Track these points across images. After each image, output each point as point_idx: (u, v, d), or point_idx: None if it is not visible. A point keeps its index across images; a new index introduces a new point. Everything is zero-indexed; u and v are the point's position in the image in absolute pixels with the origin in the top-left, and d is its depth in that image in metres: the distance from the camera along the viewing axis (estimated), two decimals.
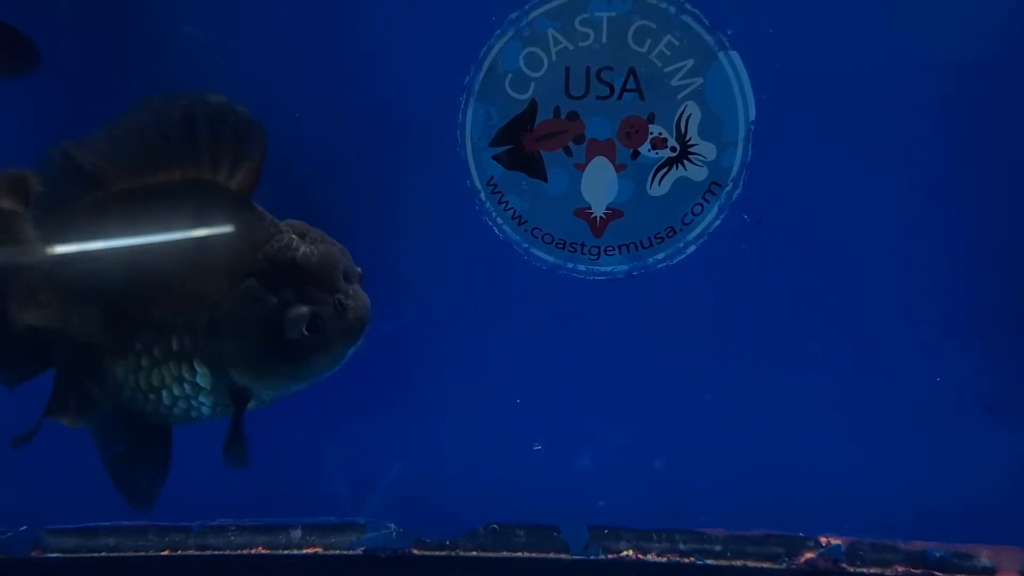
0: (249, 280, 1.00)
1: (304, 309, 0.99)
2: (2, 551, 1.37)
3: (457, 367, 1.32)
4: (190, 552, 1.40)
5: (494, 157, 1.25)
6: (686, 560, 1.35)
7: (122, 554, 1.40)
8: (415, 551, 1.38)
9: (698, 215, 1.24)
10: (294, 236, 1.03)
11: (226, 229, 1.02)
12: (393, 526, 1.38)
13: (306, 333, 1.00)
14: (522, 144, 1.24)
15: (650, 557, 1.36)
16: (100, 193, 1.01)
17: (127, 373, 1.06)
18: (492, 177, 1.25)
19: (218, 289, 1.01)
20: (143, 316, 1.03)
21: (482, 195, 1.26)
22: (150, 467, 1.12)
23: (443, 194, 1.27)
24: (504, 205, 1.26)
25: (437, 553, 1.38)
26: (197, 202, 1.01)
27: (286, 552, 1.39)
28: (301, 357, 1.02)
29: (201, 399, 1.07)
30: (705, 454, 1.33)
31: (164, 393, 1.06)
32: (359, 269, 1.07)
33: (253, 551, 1.39)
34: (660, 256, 1.27)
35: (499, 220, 1.27)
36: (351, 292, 1.04)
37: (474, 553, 1.38)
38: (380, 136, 1.26)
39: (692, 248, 1.26)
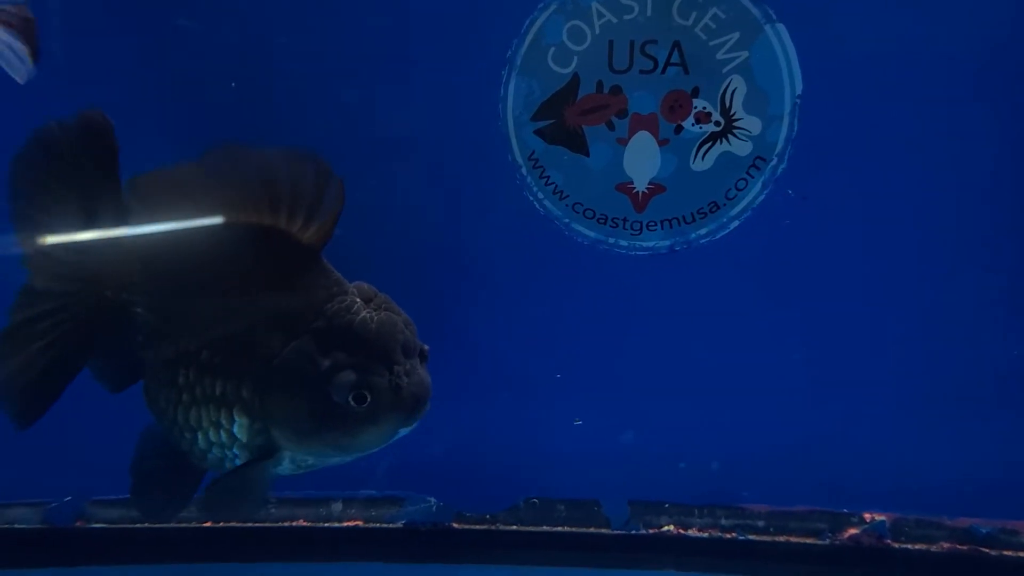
0: (304, 337, 1.00)
1: (351, 376, 0.98)
2: (47, 521, 1.44)
3: (497, 342, 1.37)
4: (232, 524, 1.47)
5: (536, 132, 1.28)
6: (728, 536, 1.40)
7: (165, 526, 1.47)
8: (455, 525, 1.44)
9: (742, 190, 1.28)
10: (357, 299, 1.02)
11: (291, 282, 1.02)
12: (433, 500, 1.44)
13: (352, 403, 0.98)
14: (564, 118, 1.27)
15: (691, 532, 1.41)
16: (183, 221, 1.04)
17: (167, 402, 1.08)
18: (533, 152, 1.29)
19: (271, 341, 1.01)
20: (192, 349, 1.05)
21: (523, 170, 1.30)
22: (175, 493, 1.14)
23: (483, 169, 1.31)
24: (545, 180, 1.30)
25: (477, 527, 1.43)
26: (267, 250, 1.02)
27: (327, 525, 1.45)
28: (346, 427, 1.00)
29: (236, 450, 1.08)
30: (748, 429, 1.37)
31: (200, 435, 1.08)
32: (425, 346, 1.05)
33: (294, 523, 1.45)
34: (703, 231, 1.31)
35: (540, 195, 1.31)
36: (408, 368, 1.01)
37: (514, 527, 1.43)
38: (421, 110, 1.29)
39: (735, 223, 1.30)
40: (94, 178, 1.07)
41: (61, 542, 1.43)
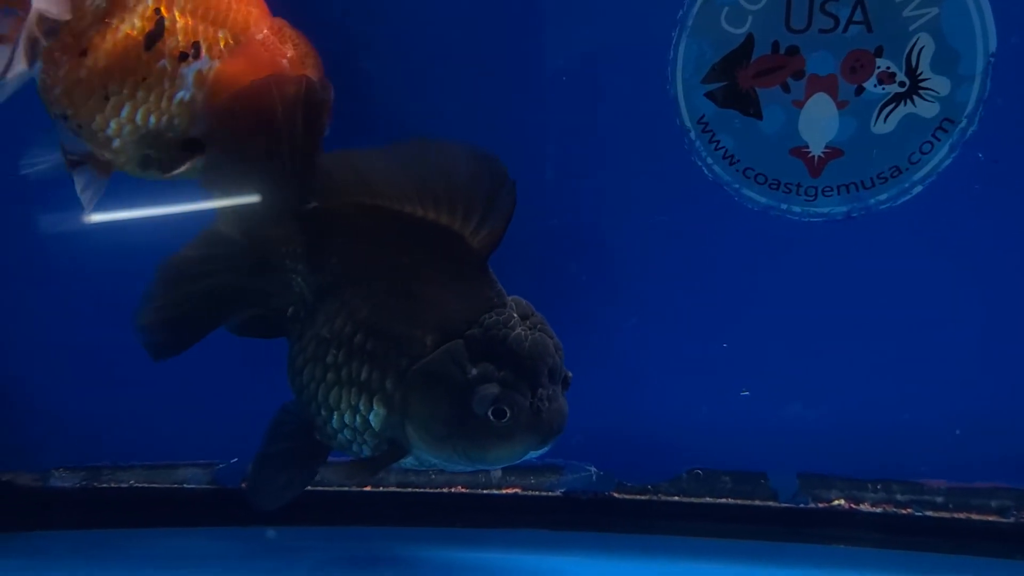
0: (457, 342, 1.07)
1: (495, 389, 1.04)
2: (215, 482, 1.57)
3: (664, 309, 1.43)
4: (391, 488, 1.58)
5: (706, 95, 1.34)
6: (903, 511, 1.44)
7: (326, 488, 1.57)
8: (616, 494, 1.51)
9: (927, 153, 1.31)
10: (515, 315, 1.08)
11: (455, 284, 1.10)
12: (594, 469, 1.52)
13: (491, 417, 1.05)
14: (737, 81, 1.32)
15: (864, 507, 1.45)
16: (361, 204, 1.14)
17: (311, 377, 1.17)
18: (703, 115, 1.35)
19: (425, 340, 1.09)
20: (346, 331, 1.15)
21: (692, 134, 1.36)
22: (295, 476, 1.23)
23: (651, 133, 1.36)
24: (715, 144, 1.36)
25: (638, 497, 1.50)
26: (438, 248, 1.10)
27: (485, 492, 1.54)
28: (479, 439, 1.07)
29: (367, 437, 1.16)
30: (925, 402, 1.40)
31: (335, 415, 1.17)
32: (569, 373, 1.10)
33: (453, 490, 1.55)
34: (883, 197, 1.34)
35: (709, 160, 1.37)
36: (551, 393, 1.07)
37: (676, 498, 1.49)
38: (587, 73, 1.35)
39: (919, 188, 1.33)
40: (298, 143, 1.16)
41: (227, 502, 1.54)
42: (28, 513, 1.54)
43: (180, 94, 1.18)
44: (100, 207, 1.29)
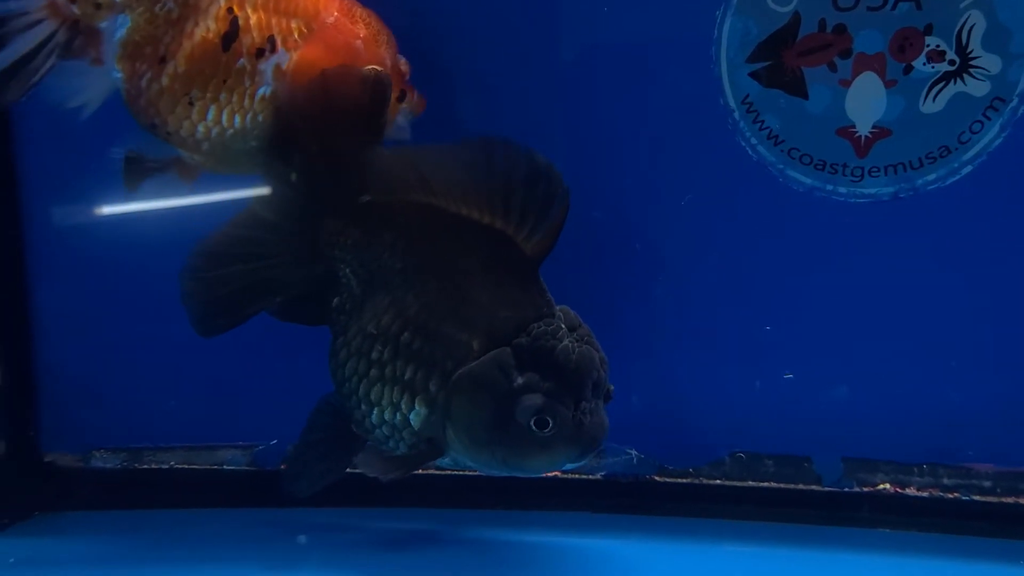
0: (504, 349, 1.10)
1: (539, 399, 1.07)
2: (254, 464, 1.61)
3: (706, 291, 1.45)
4: (431, 471, 1.62)
5: (751, 74, 1.36)
6: (950, 496, 1.45)
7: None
8: (657, 478, 1.54)
9: (977, 133, 1.33)
10: (563, 326, 1.11)
11: (505, 290, 1.13)
12: (635, 452, 1.55)
13: (533, 426, 1.07)
14: (783, 60, 1.34)
15: (910, 491, 1.47)
16: (414, 201, 1.17)
17: (354, 371, 1.21)
18: (748, 95, 1.37)
19: (472, 343, 1.13)
20: (394, 328, 1.18)
21: (736, 114, 1.38)
22: (331, 465, 1.28)
23: (694, 114, 1.38)
24: (759, 125, 1.38)
25: (680, 481, 1.53)
26: (491, 251, 1.13)
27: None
28: (519, 448, 1.10)
29: (404, 435, 1.19)
30: (973, 385, 1.42)
31: (376, 411, 1.20)
32: (611, 387, 1.13)
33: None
34: (931, 177, 1.36)
35: (753, 140, 1.39)
36: (593, 407, 1.10)
37: (718, 482, 1.52)
38: (630, 53, 1.38)
39: (968, 168, 1.34)
40: (359, 136, 1.20)
41: (267, 484, 1.56)
42: (70, 493, 1.59)
43: (261, 90, 1.22)
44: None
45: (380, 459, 1.21)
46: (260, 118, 1.23)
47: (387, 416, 1.19)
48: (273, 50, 1.21)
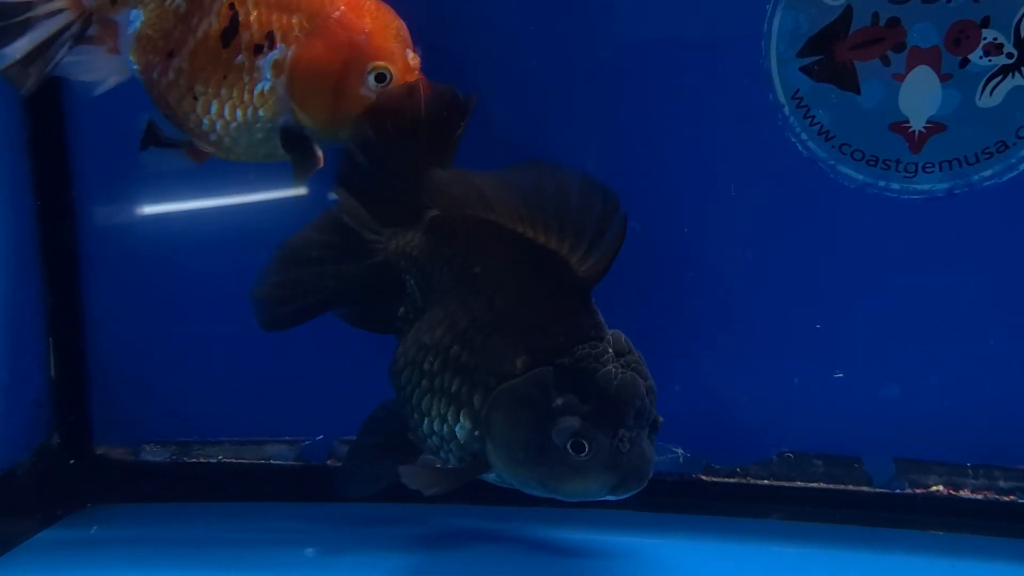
0: (546, 368, 1.10)
1: (575, 422, 1.06)
2: (300, 459, 1.63)
3: (755, 289, 1.44)
4: None
5: (801, 69, 1.34)
6: (1006, 499, 1.43)
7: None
8: (703, 477, 1.53)
9: None
10: (610, 350, 1.10)
11: (554, 311, 1.13)
12: (681, 451, 1.54)
13: (570, 450, 1.06)
14: (834, 54, 1.32)
15: (963, 493, 1.45)
16: (475, 217, 1.19)
17: (408, 381, 1.23)
18: (798, 90, 1.35)
19: (516, 361, 1.13)
20: (444, 341, 1.19)
21: (786, 109, 1.36)
22: (383, 469, 1.29)
23: (743, 109, 1.37)
24: (810, 120, 1.36)
25: (727, 480, 1.52)
26: (543, 272, 1.13)
27: None
28: (556, 470, 1.09)
29: (452, 447, 1.20)
30: None
31: (426, 421, 1.21)
32: (659, 418, 1.12)
33: None
34: (987, 173, 1.33)
35: (804, 136, 1.37)
36: (634, 436, 1.08)
37: (766, 482, 1.50)
38: (679, 48, 1.37)
39: None
40: (431, 150, 1.24)
41: (312, 479, 1.60)
42: (120, 486, 1.62)
43: (259, 85, 1.24)
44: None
45: (424, 472, 1.23)
46: (261, 113, 1.25)
47: (435, 427, 1.21)
48: (272, 46, 1.23)
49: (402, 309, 1.29)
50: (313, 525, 1.51)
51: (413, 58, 1.25)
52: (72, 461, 1.61)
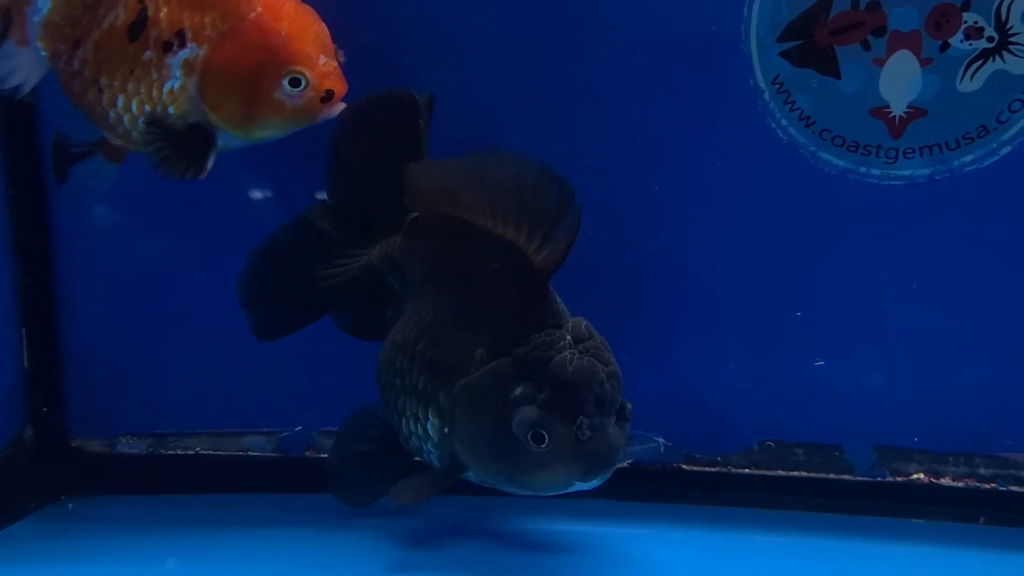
0: (504, 360, 1.08)
1: (532, 412, 1.03)
2: (279, 450, 1.61)
3: (735, 277, 1.43)
4: None
5: (781, 54, 1.33)
6: (987, 486, 1.42)
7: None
8: (684, 466, 1.52)
9: (1016, 112, 1.29)
10: (568, 336, 1.07)
11: (512, 301, 1.11)
12: (662, 440, 1.53)
13: (530, 441, 1.03)
14: (814, 38, 1.31)
15: (944, 481, 1.44)
16: (444, 214, 1.18)
17: (386, 381, 1.22)
18: (778, 75, 1.34)
19: (476, 355, 1.11)
20: (411, 338, 1.19)
21: (766, 95, 1.35)
22: (386, 477, 1.27)
23: (722, 94, 1.36)
24: (790, 105, 1.35)
25: (708, 469, 1.51)
26: (505, 264, 1.11)
27: None
28: (520, 463, 1.06)
29: (429, 447, 1.19)
30: (1011, 373, 1.39)
31: (404, 421, 1.20)
32: (627, 404, 1.08)
33: None
34: (968, 158, 1.32)
35: (784, 122, 1.36)
36: (596, 423, 1.04)
37: (747, 470, 1.50)
38: (657, 32, 1.36)
39: (1007, 149, 1.30)
40: (399, 152, 1.23)
41: (291, 470, 1.59)
42: (96, 478, 1.60)
43: (169, 83, 1.22)
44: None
45: (405, 488, 1.21)
46: (171, 111, 1.23)
47: (412, 426, 1.20)
48: (183, 44, 1.21)
49: (389, 312, 1.29)
50: (292, 515, 1.50)
51: (328, 63, 1.21)
52: (47, 454, 1.58)
